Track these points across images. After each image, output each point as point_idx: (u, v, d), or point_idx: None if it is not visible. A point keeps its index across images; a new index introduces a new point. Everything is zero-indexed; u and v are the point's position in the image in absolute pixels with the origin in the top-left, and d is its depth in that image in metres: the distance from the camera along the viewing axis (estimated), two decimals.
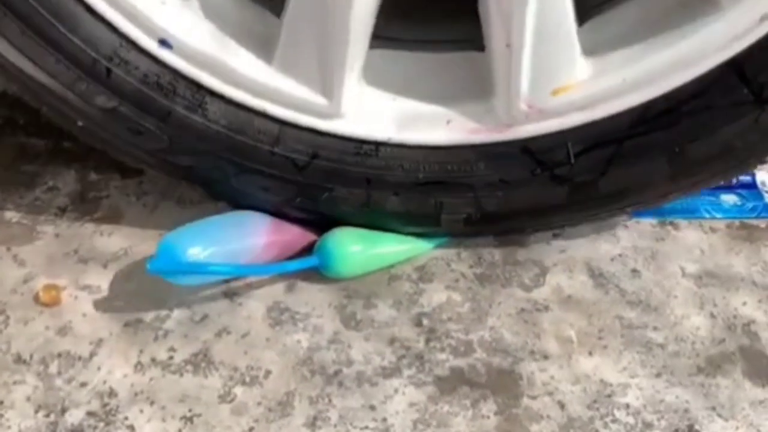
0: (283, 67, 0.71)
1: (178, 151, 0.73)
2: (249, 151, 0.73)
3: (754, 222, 0.86)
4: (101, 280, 0.79)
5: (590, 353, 0.74)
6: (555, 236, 0.83)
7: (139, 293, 0.78)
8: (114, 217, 0.85)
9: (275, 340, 0.74)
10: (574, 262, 0.81)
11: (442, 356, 0.73)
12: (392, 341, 0.75)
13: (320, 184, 0.75)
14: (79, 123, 0.72)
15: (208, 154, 0.73)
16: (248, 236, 0.76)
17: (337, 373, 0.72)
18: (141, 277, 0.79)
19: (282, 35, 0.70)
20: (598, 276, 0.80)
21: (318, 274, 0.78)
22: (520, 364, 0.73)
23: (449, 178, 0.74)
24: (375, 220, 0.78)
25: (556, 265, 0.81)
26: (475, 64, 0.74)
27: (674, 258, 0.82)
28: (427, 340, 0.75)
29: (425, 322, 0.76)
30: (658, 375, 0.72)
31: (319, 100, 0.71)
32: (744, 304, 0.78)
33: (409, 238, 0.80)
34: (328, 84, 0.71)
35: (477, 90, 0.74)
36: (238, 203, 0.78)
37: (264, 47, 0.71)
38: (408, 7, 0.73)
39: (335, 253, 0.76)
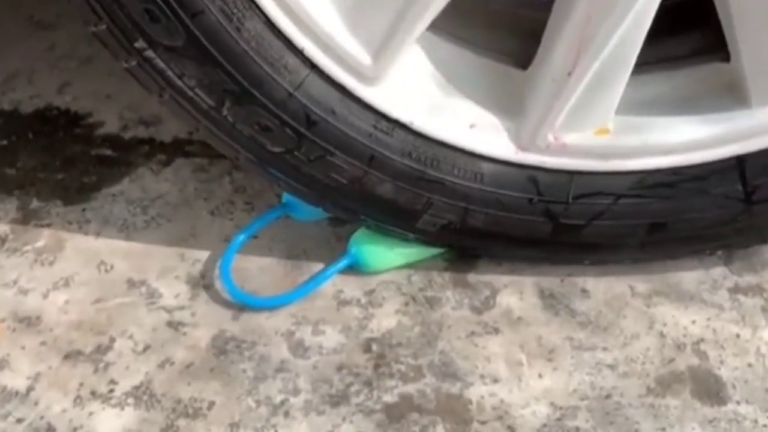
0: (343, 10, 0.66)
1: (188, 56, 0.66)
2: (266, 85, 0.67)
3: None
4: (41, 311, 0.77)
5: (540, 376, 0.73)
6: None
7: (80, 324, 0.76)
8: (56, 246, 0.83)
9: (220, 370, 0.72)
10: (524, 284, 0.81)
11: (392, 382, 0.72)
12: (340, 368, 0.73)
13: (323, 145, 0.70)
14: None
15: (219, 70, 0.66)
16: None
17: (283, 402, 0.70)
18: (82, 307, 0.77)
19: None
20: (548, 297, 0.80)
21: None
22: (470, 389, 0.72)
23: (451, 180, 0.73)
24: (354, 198, 0.74)
25: (506, 287, 0.81)
26: (511, 80, 0.73)
27: (624, 277, 0.82)
28: (376, 366, 0.74)
29: (374, 347, 0.75)
30: (608, 396, 0.72)
31: (364, 58, 0.67)
32: (693, 322, 0.78)
33: None
34: (383, 45, 0.67)
35: (506, 105, 0.73)
36: (216, 134, 0.71)
37: None
38: (472, 5, 0.73)
39: (369, 249, 0.79)
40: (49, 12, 1.10)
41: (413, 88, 0.71)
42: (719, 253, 0.83)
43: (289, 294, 0.79)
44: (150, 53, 0.66)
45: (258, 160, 0.72)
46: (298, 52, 0.67)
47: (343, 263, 0.80)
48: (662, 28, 0.68)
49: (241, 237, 0.81)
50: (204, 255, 0.82)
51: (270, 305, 0.78)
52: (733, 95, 0.72)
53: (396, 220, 0.76)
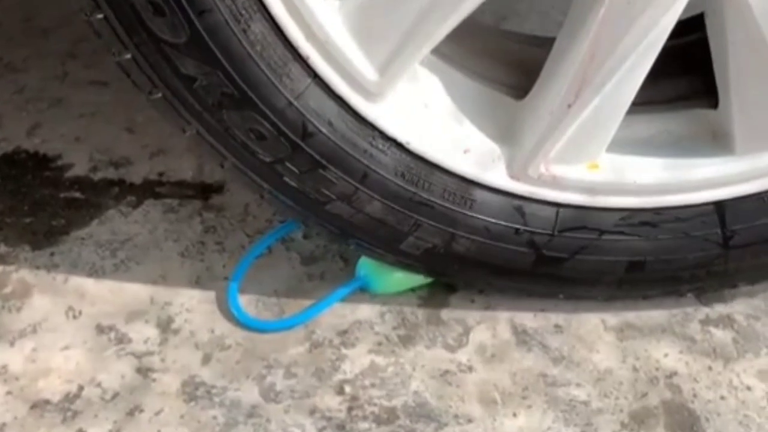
0: (351, 18, 0.65)
1: (189, 54, 0.63)
2: (267, 91, 0.65)
3: None
4: (7, 359, 0.75)
5: (514, 414, 0.73)
6: (479, 292, 0.83)
7: (48, 372, 0.74)
8: (23, 292, 0.82)
9: (190, 417, 0.71)
10: (498, 320, 0.81)
11: (365, 425, 0.72)
12: (313, 412, 0.72)
13: (317, 158, 0.68)
14: None
15: (219, 72, 0.64)
16: None
17: None
18: (50, 354, 0.76)
19: None
20: (521, 333, 0.80)
21: (233, 347, 0.77)
22: (444, 429, 0.71)
23: (441, 204, 0.73)
24: (340, 215, 0.73)
25: (479, 324, 0.80)
26: (508, 109, 0.74)
27: (596, 310, 0.82)
28: (350, 409, 0.73)
29: (347, 389, 0.74)
30: None
31: (369, 72, 0.66)
32: (666, 355, 0.78)
33: None
34: (390, 59, 0.65)
35: (502, 133, 0.73)
36: (206, 137, 0.69)
37: None
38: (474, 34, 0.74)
39: (378, 271, 0.80)
40: (18, 54, 1.10)
41: (413, 108, 0.71)
42: None
43: (299, 315, 0.80)
44: (148, 48, 0.63)
45: (246, 168, 0.70)
46: (302, 60, 0.65)
47: (353, 286, 0.81)
48: (656, 70, 0.69)
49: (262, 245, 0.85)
50: (174, 298, 0.81)
51: (281, 327, 0.79)
52: (717, 141, 0.73)
53: (380, 240, 0.75)
